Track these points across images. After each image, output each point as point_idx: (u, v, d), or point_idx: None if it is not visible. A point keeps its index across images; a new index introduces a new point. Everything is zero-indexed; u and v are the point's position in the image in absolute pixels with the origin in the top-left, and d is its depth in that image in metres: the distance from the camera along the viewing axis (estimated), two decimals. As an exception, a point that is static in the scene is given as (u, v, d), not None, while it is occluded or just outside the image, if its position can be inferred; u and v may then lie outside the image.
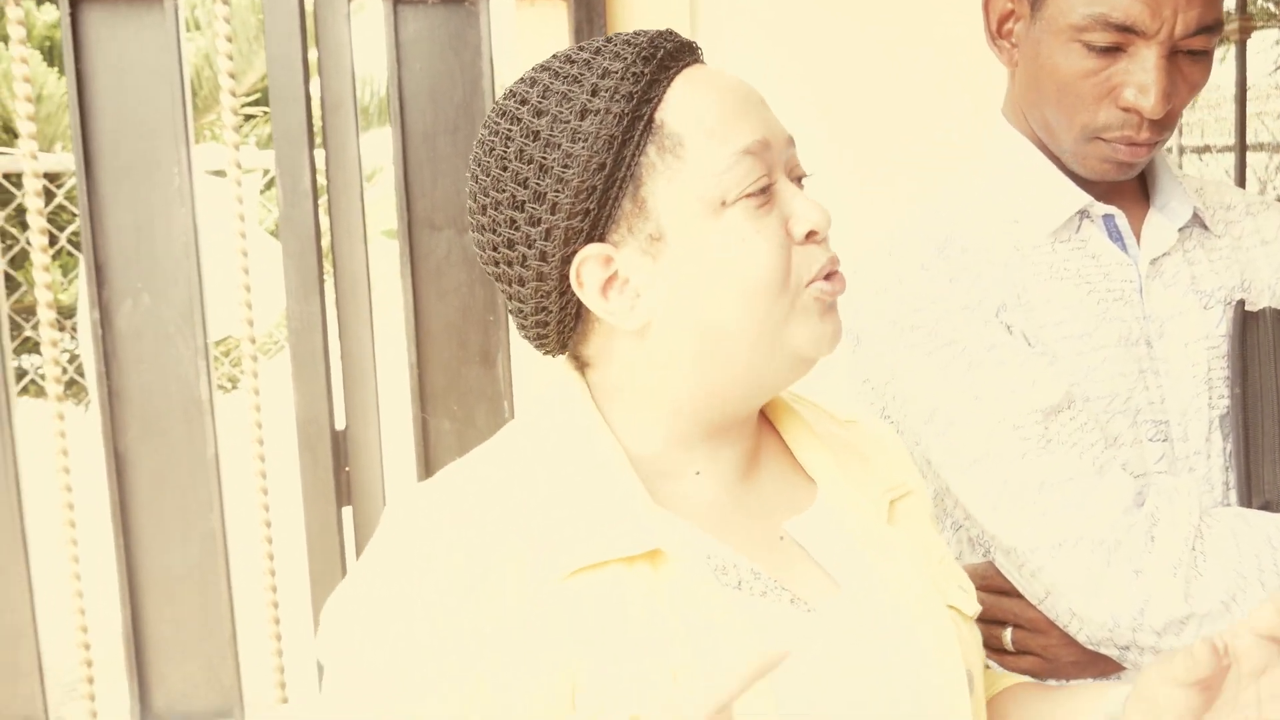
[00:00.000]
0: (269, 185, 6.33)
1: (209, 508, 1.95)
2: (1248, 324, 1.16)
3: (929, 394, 1.12)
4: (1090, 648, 1.11)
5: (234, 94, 1.95)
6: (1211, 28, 1.08)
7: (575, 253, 0.80)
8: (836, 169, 1.98)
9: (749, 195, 0.80)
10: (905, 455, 1.00)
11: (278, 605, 2.05)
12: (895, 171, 1.94)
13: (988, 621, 1.18)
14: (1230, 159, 2.43)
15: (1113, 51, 1.08)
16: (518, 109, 0.81)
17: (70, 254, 5.74)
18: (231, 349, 6.35)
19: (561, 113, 0.79)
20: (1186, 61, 1.10)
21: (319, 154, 1.97)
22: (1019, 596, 1.15)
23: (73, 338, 5.87)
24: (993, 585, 1.17)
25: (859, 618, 0.84)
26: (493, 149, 0.82)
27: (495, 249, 0.83)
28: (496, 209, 0.82)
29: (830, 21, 2.02)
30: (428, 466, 2.01)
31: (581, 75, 0.80)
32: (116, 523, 1.92)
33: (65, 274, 5.93)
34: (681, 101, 0.80)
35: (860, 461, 0.94)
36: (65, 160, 4.85)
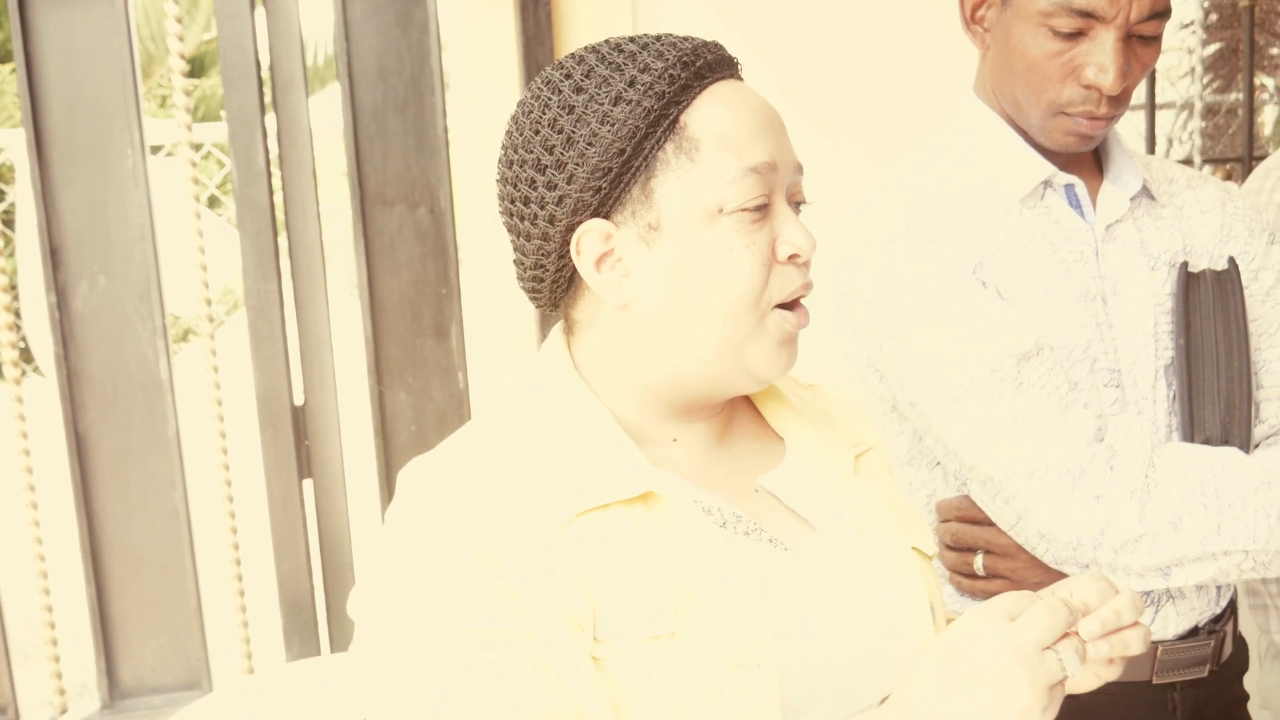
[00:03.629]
0: (204, 157, 6.23)
1: (171, 485, 1.97)
2: (1190, 284, 1.30)
3: (915, 341, 1.24)
4: (1055, 567, 1.25)
5: (184, 74, 1.96)
6: (1162, 13, 1.22)
7: (580, 223, 0.88)
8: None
9: (744, 210, 0.87)
10: (865, 413, 1.10)
11: (242, 578, 2.09)
12: (834, 159, 2.02)
13: (961, 549, 1.33)
14: (1141, 119, 2.58)
15: (1075, 36, 1.22)
16: (562, 81, 0.88)
17: (3, 234, 5.60)
18: (173, 323, 6.27)
19: (598, 95, 0.86)
20: (1140, 44, 1.24)
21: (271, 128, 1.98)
22: (990, 525, 1.29)
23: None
24: (967, 516, 1.32)
25: (832, 556, 0.94)
26: (530, 111, 0.89)
27: (513, 201, 0.91)
28: (522, 166, 0.89)
29: (772, 10, 2.08)
30: (385, 438, 2.05)
31: (624, 65, 0.87)
32: (79, 501, 1.94)
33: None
34: (707, 110, 0.88)
35: (826, 420, 1.04)
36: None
